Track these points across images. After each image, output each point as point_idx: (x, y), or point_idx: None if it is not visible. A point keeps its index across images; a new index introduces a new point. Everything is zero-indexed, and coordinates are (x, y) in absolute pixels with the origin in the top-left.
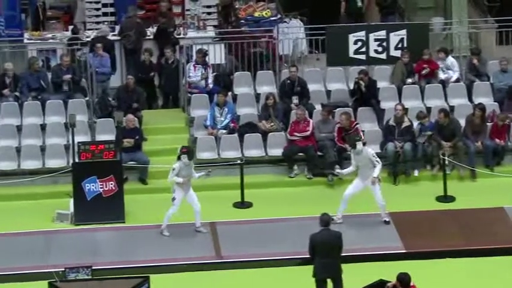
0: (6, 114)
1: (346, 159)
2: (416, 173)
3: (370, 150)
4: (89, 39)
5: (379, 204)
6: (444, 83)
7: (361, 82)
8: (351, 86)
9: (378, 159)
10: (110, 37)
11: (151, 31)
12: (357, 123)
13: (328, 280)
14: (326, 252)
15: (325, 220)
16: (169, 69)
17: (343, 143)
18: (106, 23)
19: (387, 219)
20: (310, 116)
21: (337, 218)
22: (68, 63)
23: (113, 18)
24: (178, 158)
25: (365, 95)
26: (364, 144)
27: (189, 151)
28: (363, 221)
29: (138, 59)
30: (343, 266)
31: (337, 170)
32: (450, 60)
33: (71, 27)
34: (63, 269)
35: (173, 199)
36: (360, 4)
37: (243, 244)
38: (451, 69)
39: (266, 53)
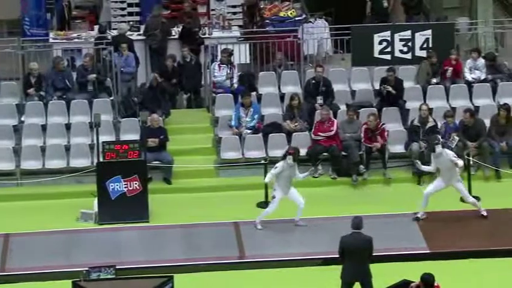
0: (31, 113)
1: (373, 159)
2: None
3: (450, 152)
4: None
5: (469, 201)
6: (470, 83)
7: (388, 87)
8: (376, 86)
9: (457, 159)
10: (133, 36)
11: (176, 31)
12: (383, 124)
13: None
14: (355, 256)
15: (357, 223)
16: (188, 68)
17: (370, 143)
18: (131, 22)
19: (485, 213)
20: (335, 116)
21: (421, 215)
22: (89, 63)
23: (138, 18)
24: (283, 158)
25: (393, 96)
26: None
27: (295, 153)
28: (387, 222)
29: (163, 60)
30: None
31: (418, 163)
32: (481, 61)
33: (96, 26)
34: (87, 269)
35: (273, 197)
36: (385, 4)
37: (267, 244)
38: (479, 69)
39: None
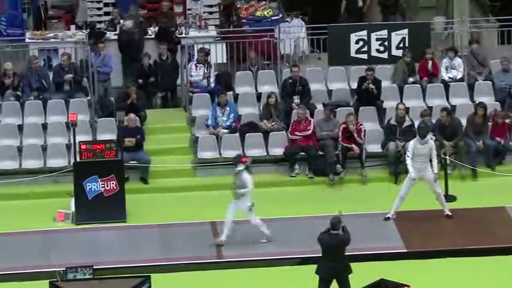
0: (8, 113)
1: (350, 158)
2: None
3: (434, 145)
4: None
5: (437, 192)
6: (446, 82)
7: (371, 85)
8: (353, 86)
9: (437, 161)
10: (110, 36)
11: (152, 30)
12: (361, 124)
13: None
14: (331, 254)
15: (334, 222)
16: (164, 66)
17: (347, 142)
18: (107, 22)
19: (449, 213)
20: (312, 116)
21: (392, 215)
22: (66, 62)
23: None
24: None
25: (372, 95)
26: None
27: None
28: (364, 221)
29: (139, 61)
30: None
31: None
32: (458, 60)
33: (72, 26)
34: (63, 269)
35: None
36: (360, 4)
37: (244, 244)
38: (455, 68)
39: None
